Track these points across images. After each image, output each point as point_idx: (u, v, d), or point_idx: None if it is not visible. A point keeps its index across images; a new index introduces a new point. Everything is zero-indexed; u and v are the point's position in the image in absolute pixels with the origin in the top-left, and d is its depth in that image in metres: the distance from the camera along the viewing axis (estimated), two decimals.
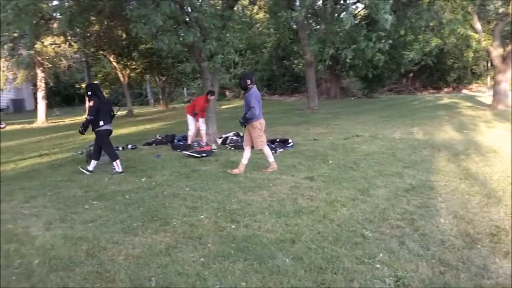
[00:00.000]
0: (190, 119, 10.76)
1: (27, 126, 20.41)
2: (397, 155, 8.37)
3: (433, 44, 25.99)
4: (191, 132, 10.79)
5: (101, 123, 7.85)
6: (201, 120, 10.77)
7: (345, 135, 11.34)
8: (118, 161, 7.95)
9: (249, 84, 7.26)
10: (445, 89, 34.38)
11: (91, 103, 7.93)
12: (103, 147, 8.08)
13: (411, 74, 35.36)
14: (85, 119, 8.02)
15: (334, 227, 4.57)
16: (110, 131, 8.10)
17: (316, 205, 5.37)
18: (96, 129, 7.90)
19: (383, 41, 12.93)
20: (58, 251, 4.21)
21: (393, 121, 14.27)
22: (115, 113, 8.30)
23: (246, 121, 7.27)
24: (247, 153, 7.55)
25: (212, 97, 10.85)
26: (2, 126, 7.53)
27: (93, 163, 8.13)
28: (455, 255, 3.78)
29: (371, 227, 4.53)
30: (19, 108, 31.49)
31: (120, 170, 7.87)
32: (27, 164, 9.42)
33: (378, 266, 3.60)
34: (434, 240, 4.13)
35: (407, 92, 33.89)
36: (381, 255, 3.81)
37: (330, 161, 8.01)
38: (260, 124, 7.38)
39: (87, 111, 24.87)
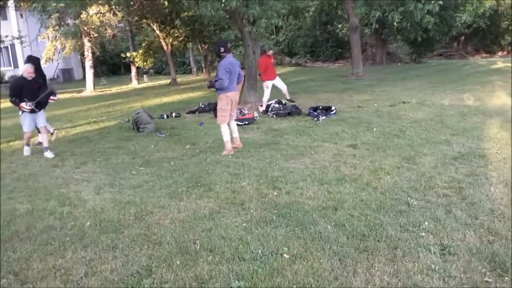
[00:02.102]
0: (263, 85, 10.77)
1: (76, 95, 21.14)
2: (446, 122, 8.08)
3: (487, 5, 24.42)
4: (265, 98, 10.71)
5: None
6: (274, 82, 10.70)
7: (391, 102, 11.02)
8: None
9: (222, 52, 6.66)
10: (499, 53, 32.50)
11: None
12: None
13: (463, 38, 33.61)
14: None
15: (377, 195, 4.51)
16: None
17: (359, 173, 5.30)
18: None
19: (432, 2, 12.28)
20: (108, 214, 4.40)
21: (442, 87, 13.69)
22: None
23: (212, 86, 6.79)
24: (224, 129, 6.85)
25: (271, 51, 10.87)
26: (55, 98, 7.69)
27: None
28: (505, 225, 3.64)
29: (416, 195, 4.43)
30: (68, 78, 32.59)
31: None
32: (77, 132, 9.81)
33: (423, 234, 3.54)
34: (483, 209, 4.00)
35: (458, 56, 32.32)
36: (426, 223, 3.73)
37: (374, 129, 7.84)
38: (226, 97, 6.69)
39: (133, 80, 25.17)
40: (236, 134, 7.06)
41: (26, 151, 7.57)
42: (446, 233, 3.53)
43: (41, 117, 7.55)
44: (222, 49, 6.68)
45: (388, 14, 14.37)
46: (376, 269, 3.06)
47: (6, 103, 15.49)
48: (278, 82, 10.89)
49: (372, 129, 7.81)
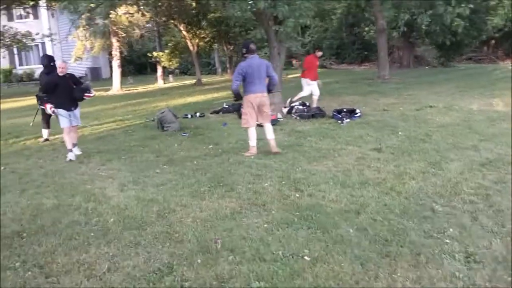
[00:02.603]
0: (303, 82, 10.82)
1: (103, 93, 21.48)
2: (474, 127, 7.90)
3: None
4: (303, 94, 10.76)
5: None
6: (314, 83, 10.67)
7: (417, 106, 10.85)
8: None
9: (244, 53, 6.59)
10: None
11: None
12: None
13: (493, 42, 32.79)
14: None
15: (401, 199, 4.44)
16: None
17: (383, 177, 5.23)
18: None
19: (463, 5, 12.02)
20: (131, 211, 4.46)
21: (470, 91, 13.40)
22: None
23: (234, 95, 6.73)
24: (251, 132, 6.73)
25: (320, 53, 11.07)
26: (91, 94, 7.36)
27: (44, 132, 8.82)
28: None
29: (442, 201, 4.35)
30: (96, 76, 33.22)
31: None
32: (104, 129, 9.98)
33: (447, 241, 3.46)
34: (510, 217, 3.89)
35: (487, 61, 31.54)
36: (451, 230, 3.65)
37: (400, 133, 7.73)
38: (247, 100, 6.60)
39: (159, 79, 25.38)
40: (270, 136, 6.75)
41: (71, 156, 7.02)
42: (471, 241, 3.45)
43: (76, 114, 7.30)
44: (244, 50, 6.66)
45: (417, 17, 14.12)
46: (398, 274, 3.02)
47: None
48: (314, 87, 10.76)
49: (397, 133, 7.70)
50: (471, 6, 12.24)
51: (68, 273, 3.23)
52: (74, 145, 7.31)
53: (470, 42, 27.42)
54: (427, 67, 28.06)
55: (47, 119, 8.67)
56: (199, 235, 3.80)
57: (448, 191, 4.61)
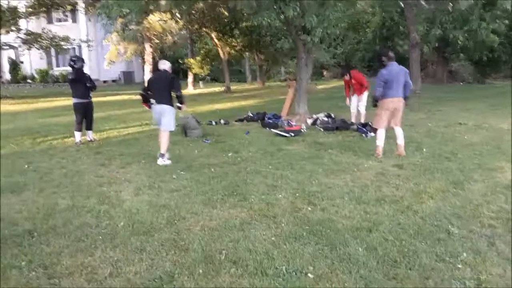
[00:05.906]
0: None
1: (133, 97, 21.82)
2: (503, 147, 7.60)
3: None
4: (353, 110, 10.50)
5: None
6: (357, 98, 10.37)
7: (446, 123, 10.56)
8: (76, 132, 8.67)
9: (383, 61, 7.02)
10: None
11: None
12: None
13: None
14: None
15: (417, 219, 4.28)
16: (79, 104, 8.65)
17: (401, 194, 5.08)
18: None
19: (497, 21, 11.69)
20: (142, 216, 4.46)
21: (503, 110, 12.97)
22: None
23: (374, 101, 7.21)
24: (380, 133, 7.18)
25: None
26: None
27: (76, 134, 8.68)
28: None
29: (459, 223, 4.16)
30: (129, 80, 33.93)
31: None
32: (129, 133, 10.13)
33: (459, 266, 3.30)
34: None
35: None
36: (465, 254, 3.49)
37: (424, 149, 7.52)
38: (383, 103, 7.04)
39: (189, 85, 25.61)
40: (400, 141, 7.18)
41: (166, 160, 6.83)
42: (485, 267, 3.28)
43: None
44: (383, 58, 7.02)
45: (449, 33, 13.81)
46: None
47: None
48: (361, 101, 10.32)
49: (421, 150, 7.50)
50: (507, 22, 11.87)
51: (70, 276, 3.24)
52: (162, 155, 6.92)
53: (508, 59, 26.63)
54: (461, 83, 27.40)
55: (80, 121, 8.66)
56: (205, 244, 3.76)
57: (467, 213, 4.43)
